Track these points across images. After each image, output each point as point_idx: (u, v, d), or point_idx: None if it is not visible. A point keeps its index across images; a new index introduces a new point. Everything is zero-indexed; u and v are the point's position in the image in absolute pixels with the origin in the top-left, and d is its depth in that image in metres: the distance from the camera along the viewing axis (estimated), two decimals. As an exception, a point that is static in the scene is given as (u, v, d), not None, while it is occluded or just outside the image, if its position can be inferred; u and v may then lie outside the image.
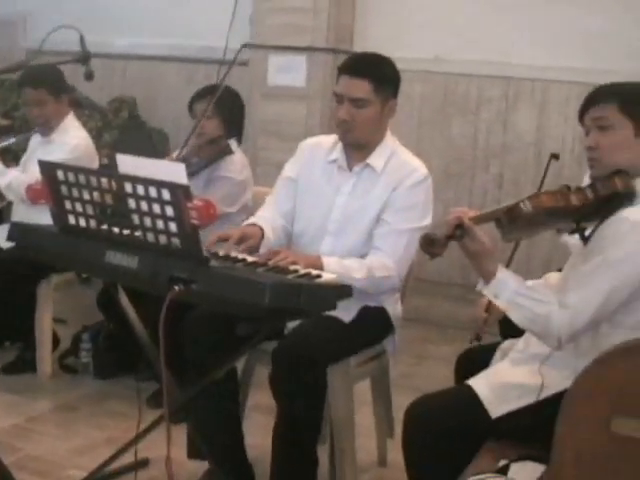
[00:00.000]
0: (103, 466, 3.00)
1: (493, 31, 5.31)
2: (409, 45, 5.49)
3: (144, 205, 2.35)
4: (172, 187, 2.25)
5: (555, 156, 2.93)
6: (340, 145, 3.08)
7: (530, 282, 2.74)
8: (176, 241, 2.33)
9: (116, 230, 2.51)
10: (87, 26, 5.90)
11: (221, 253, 2.66)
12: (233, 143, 3.91)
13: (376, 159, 3.01)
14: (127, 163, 2.44)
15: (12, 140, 4.56)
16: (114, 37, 6.31)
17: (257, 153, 5.58)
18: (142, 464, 3.24)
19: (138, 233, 2.43)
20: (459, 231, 2.31)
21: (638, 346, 1.45)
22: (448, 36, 5.43)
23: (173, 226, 2.31)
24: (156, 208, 2.32)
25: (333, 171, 3.08)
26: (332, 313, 2.79)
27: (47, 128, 4.29)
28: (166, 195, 2.27)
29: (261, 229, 2.95)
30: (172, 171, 2.29)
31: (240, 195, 3.82)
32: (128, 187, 2.37)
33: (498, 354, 2.73)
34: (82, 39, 3.52)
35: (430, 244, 2.31)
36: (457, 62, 5.40)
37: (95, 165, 4.32)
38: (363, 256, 2.98)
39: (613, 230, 2.32)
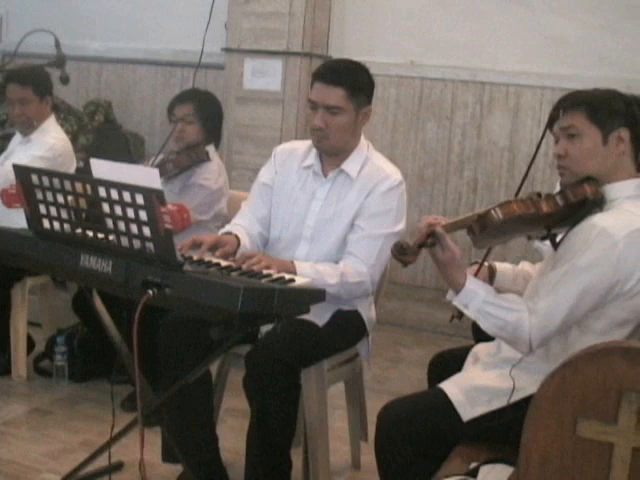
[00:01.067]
0: (77, 470, 3.02)
1: (467, 37, 5.37)
2: (384, 50, 5.55)
3: (118, 209, 2.37)
4: (146, 192, 2.27)
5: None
6: (315, 151, 3.10)
7: (504, 265, 2.78)
8: (150, 245, 2.35)
9: (90, 234, 2.52)
10: (63, 29, 5.95)
11: (195, 257, 2.67)
12: (211, 149, 3.92)
13: (351, 165, 3.03)
14: (101, 167, 2.45)
15: None
16: (89, 40, 6.30)
17: (232, 157, 5.59)
18: (116, 467, 3.26)
19: (112, 237, 2.45)
20: (431, 239, 2.33)
21: (602, 350, 1.48)
22: (423, 41, 5.49)
23: (147, 230, 2.32)
24: (130, 212, 2.34)
25: (308, 177, 3.10)
26: (306, 317, 2.82)
27: (27, 127, 4.30)
28: (140, 200, 2.29)
29: (237, 237, 2.96)
30: (146, 176, 2.31)
31: (214, 203, 3.82)
32: (102, 191, 2.38)
33: (470, 358, 2.75)
34: (57, 43, 3.53)
35: (402, 252, 2.33)
36: (432, 67, 5.45)
37: (72, 168, 4.32)
38: (337, 261, 3.00)
39: (582, 236, 2.35)
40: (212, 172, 3.83)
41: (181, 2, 6.10)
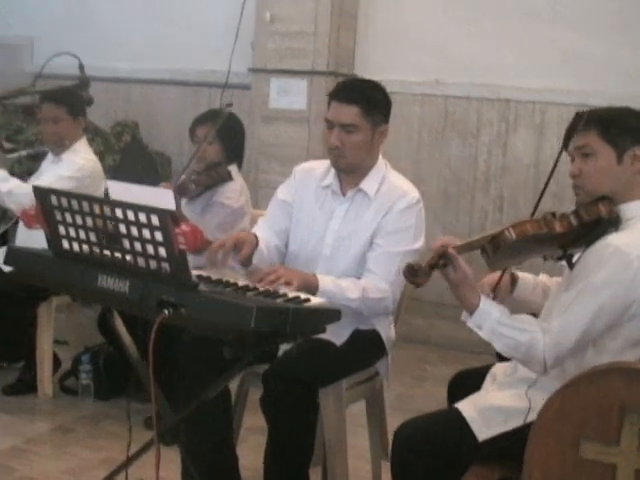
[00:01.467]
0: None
1: (492, 54, 5.38)
2: (409, 68, 5.57)
3: (134, 230, 2.39)
4: (161, 213, 2.29)
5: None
6: (333, 170, 3.12)
7: (525, 274, 2.76)
8: (165, 266, 2.37)
9: (108, 254, 2.55)
10: (92, 51, 6.06)
11: (214, 277, 2.69)
12: (234, 169, 3.96)
13: (369, 184, 3.04)
14: (118, 189, 2.48)
15: (24, 152, 4.68)
16: (117, 62, 6.38)
17: (258, 176, 5.63)
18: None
19: (129, 258, 2.47)
20: (443, 260, 2.33)
21: (602, 371, 1.48)
22: (447, 59, 5.50)
23: (162, 251, 2.35)
24: (146, 233, 2.36)
25: (327, 196, 3.12)
26: (324, 336, 2.83)
27: (59, 147, 4.39)
28: (155, 220, 2.31)
29: (255, 237, 2.97)
30: (161, 197, 2.34)
31: (236, 221, 3.86)
32: (119, 212, 2.41)
33: (489, 377, 2.75)
34: (81, 65, 3.59)
35: (413, 274, 2.33)
36: (456, 85, 5.46)
37: (101, 189, 4.37)
38: (357, 278, 3.01)
39: (596, 256, 2.35)
40: (234, 191, 3.87)
41: (208, 23, 6.16)
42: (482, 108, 5.41)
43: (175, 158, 6.08)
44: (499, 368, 2.74)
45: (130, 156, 5.56)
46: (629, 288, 2.29)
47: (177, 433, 2.86)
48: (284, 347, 2.96)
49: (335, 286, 2.87)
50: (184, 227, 2.37)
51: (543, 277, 2.86)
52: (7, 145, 4.82)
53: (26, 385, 4.26)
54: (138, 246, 2.41)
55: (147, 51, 6.34)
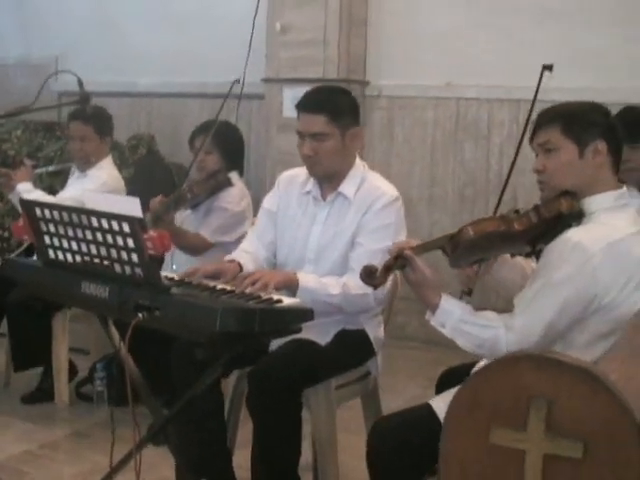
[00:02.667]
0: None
1: (502, 55, 5.39)
2: (421, 72, 5.61)
3: (109, 238, 2.49)
4: (130, 220, 2.39)
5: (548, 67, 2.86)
6: None
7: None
8: (139, 271, 2.47)
9: (89, 262, 2.65)
10: (113, 66, 6.18)
11: (195, 282, 2.78)
12: (234, 175, 4.05)
13: (347, 187, 3.11)
14: (93, 199, 2.59)
15: (51, 168, 4.85)
16: (138, 76, 6.52)
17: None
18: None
19: (107, 264, 2.57)
20: (399, 261, 2.38)
21: (510, 359, 1.52)
22: (458, 62, 5.53)
23: (135, 257, 2.44)
24: (119, 240, 2.46)
25: (309, 202, 3.20)
26: (308, 336, 2.91)
27: (84, 164, 4.56)
28: (126, 227, 2.41)
29: (239, 265, 3.05)
30: (127, 205, 2.43)
31: (237, 225, 3.95)
32: (94, 221, 2.52)
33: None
34: (80, 82, 3.71)
35: (369, 275, 2.40)
36: (467, 87, 5.49)
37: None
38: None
39: (557, 251, 2.37)
40: (234, 196, 3.98)
41: (224, 34, 6.25)
42: (493, 109, 5.43)
43: (195, 169, 6.18)
44: (482, 363, 2.77)
45: (144, 168, 5.67)
46: (591, 282, 2.31)
47: (167, 434, 2.94)
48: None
49: (316, 282, 2.94)
50: (151, 233, 2.46)
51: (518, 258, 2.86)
52: (28, 162, 4.95)
53: (44, 393, 4.39)
54: (114, 253, 2.51)
55: (168, 65, 6.46)
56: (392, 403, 3.42)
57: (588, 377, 1.47)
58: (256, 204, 3.82)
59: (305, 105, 3.06)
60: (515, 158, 2.55)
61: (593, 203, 2.45)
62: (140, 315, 2.43)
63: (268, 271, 2.93)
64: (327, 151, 3.03)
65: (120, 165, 5.42)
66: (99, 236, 2.52)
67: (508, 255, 2.81)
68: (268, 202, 3.29)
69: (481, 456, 1.53)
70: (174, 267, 3.94)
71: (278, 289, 2.77)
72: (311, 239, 3.14)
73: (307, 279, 2.94)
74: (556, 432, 1.50)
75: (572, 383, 1.47)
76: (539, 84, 2.52)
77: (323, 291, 2.92)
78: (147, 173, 5.58)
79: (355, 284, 3.00)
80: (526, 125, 2.54)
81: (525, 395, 1.48)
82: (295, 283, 2.89)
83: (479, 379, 1.52)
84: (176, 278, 2.78)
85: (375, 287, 2.42)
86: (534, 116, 2.58)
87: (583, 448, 1.48)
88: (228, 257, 3.17)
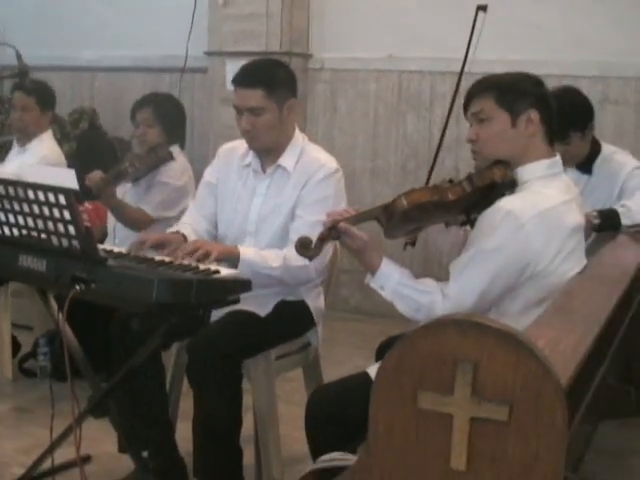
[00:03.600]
0: (37, 463, 3.12)
1: (443, 28, 5.42)
2: (363, 45, 5.63)
3: (46, 210, 2.49)
4: (66, 192, 2.38)
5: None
6: None
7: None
8: (76, 243, 2.46)
9: (26, 235, 2.64)
10: (55, 40, 6.11)
11: (132, 254, 2.78)
12: (176, 149, 4.04)
13: (287, 159, 3.12)
14: (30, 172, 2.58)
15: None
16: (80, 50, 6.46)
17: (219, 157, 5.69)
18: (84, 460, 3.36)
19: (44, 237, 2.57)
20: (333, 233, 2.41)
21: (435, 323, 1.55)
22: (400, 35, 5.56)
23: (72, 229, 2.44)
24: (56, 212, 2.45)
25: (249, 175, 3.20)
26: (248, 307, 2.93)
27: (24, 135, 4.55)
28: (62, 200, 2.40)
29: (183, 235, 3.06)
30: (63, 176, 2.42)
31: (179, 200, 3.95)
32: (30, 193, 2.50)
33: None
34: (19, 55, 3.68)
35: (304, 246, 2.42)
36: (410, 59, 5.52)
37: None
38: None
39: (489, 220, 2.40)
40: (176, 170, 3.97)
41: (166, 8, 6.21)
42: (435, 81, 5.47)
43: (138, 143, 6.14)
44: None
45: (86, 143, 5.63)
46: (522, 251, 2.35)
47: (108, 406, 2.94)
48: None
49: (256, 255, 2.95)
50: (87, 205, 2.46)
51: None
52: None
53: (-13, 369, 4.36)
54: (51, 225, 2.51)
55: (110, 38, 6.40)
56: (335, 374, 3.44)
57: (512, 341, 1.50)
58: (199, 178, 3.81)
59: (241, 80, 3.07)
60: (444, 129, 2.57)
61: (526, 172, 2.48)
62: (77, 287, 2.43)
63: (209, 242, 2.94)
64: (265, 125, 3.03)
65: (61, 139, 5.39)
66: (36, 209, 2.52)
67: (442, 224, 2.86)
68: (208, 174, 3.29)
69: (409, 420, 1.56)
70: (116, 241, 3.93)
71: (219, 260, 2.79)
72: (251, 211, 3.15)
73: (248, 252, 2.96)
74: (482, 396, 1.52)
75: (497, 347, 1.50)
76: (474, 25, 2.54)
77: (264, 264, 2.94)
78: (89, 147, 5.54)
79: (295, 256, 3.01)
80: (456, 90, 2.56)
81: (451, 359, 1.51)
82: (236, 255, 2.90)
83: (406, 344, 1.54)
84: (124, 252, 2.77)
85: (310, 258, 2.45)
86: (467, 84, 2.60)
87: (508, 411, 1.51)
88: (171, 229, 3.18)
